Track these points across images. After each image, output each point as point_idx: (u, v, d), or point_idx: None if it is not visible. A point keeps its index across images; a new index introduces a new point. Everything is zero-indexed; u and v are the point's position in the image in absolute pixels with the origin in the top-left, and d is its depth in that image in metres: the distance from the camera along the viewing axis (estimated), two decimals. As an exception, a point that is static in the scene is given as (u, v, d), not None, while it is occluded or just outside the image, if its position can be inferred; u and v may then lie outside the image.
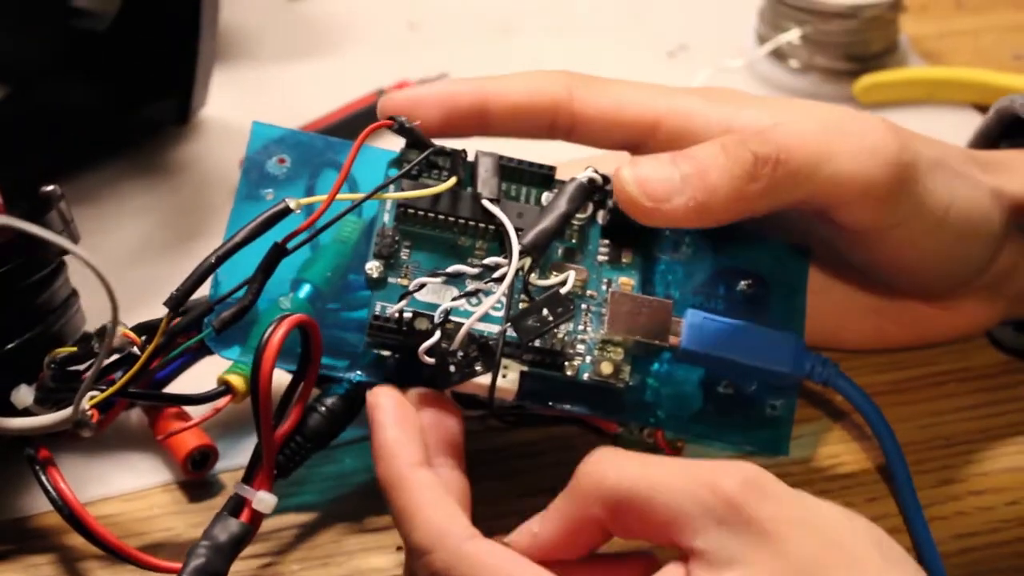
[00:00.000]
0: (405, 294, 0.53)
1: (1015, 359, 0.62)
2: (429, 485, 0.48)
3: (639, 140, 0.55)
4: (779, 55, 0.79)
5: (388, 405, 0.51)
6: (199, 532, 0.52)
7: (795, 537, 0.43)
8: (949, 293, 0.59)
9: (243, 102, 0.76)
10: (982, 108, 0.75)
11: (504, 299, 0.52)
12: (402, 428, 0.50)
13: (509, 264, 0.52)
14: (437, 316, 0.52)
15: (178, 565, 0.50)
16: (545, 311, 0.53)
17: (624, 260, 0.55)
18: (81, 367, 0.53)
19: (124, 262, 0.66)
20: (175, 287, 0.63)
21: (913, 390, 0.60)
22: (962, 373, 0.61)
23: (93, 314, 0.56)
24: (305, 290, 0.54)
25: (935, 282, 0.58)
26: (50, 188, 0.54)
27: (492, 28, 0.84)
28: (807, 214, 0.54)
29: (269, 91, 0.78)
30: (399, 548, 0.53)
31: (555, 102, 0.55)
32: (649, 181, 0.51)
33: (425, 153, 0.54)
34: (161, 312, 0.56)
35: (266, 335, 0.49)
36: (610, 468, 0.46)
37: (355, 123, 0.73)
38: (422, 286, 0.53)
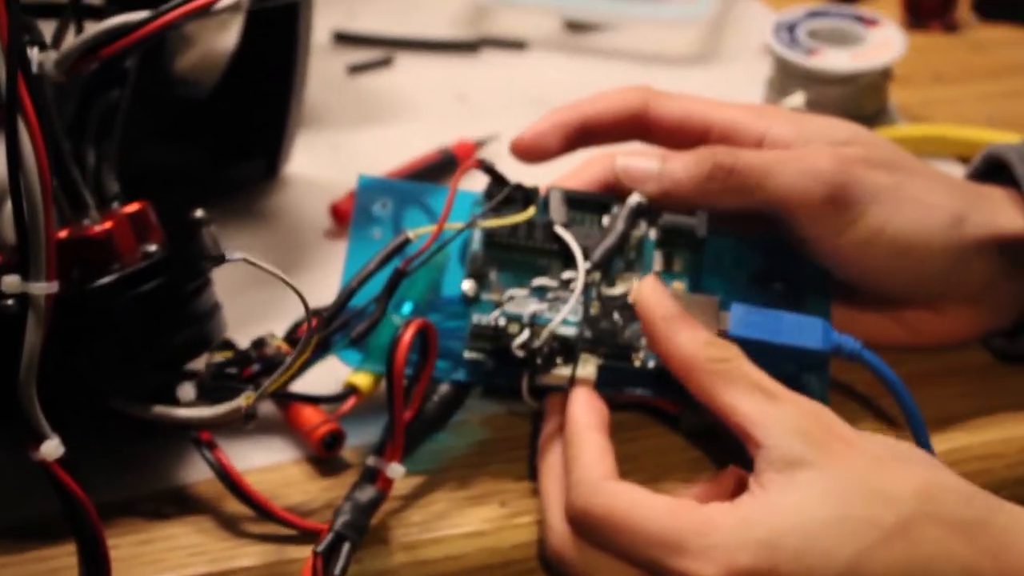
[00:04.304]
0: (499, 304, 0.63)
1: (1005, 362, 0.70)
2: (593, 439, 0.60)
3: (697, 142, 0.67)
4: (785, 117, 0.89)
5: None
6: (330, 498, 0.61)
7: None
8: (933, 301, 0.68)
9: (320, 161, 0.87)
10: (964, 159, 0.85)
11: (580, 306, 0.63)
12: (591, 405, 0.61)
13: (578, 278, 0.63)
14: (526, 318, 0.63)
15: (320, 525, 0.58)
16: (615, 315, 0.64)
17: (676, 268, 0.65)
18: (234, 370, 0.63)
19: (235, 290, 0.74)
20: (282, 310, 0.73)
21: (920, 377, 0.68)
22: (960, 368, 0.70)
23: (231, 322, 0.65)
24: (407, 307, 0.65)
25: (898, 290, 0.67)
26: (199, 214, 0.65)
27: (528, 100, 0.93)
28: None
29: (340, 151, 0.88)
30: (502, 504, 0.62)
31: (637, 114, 0.67)
32: (630, 168, 0.65)
33: (506, 189, 0.65)
34: (273, 330, 0.67)
35: (398, 334, 0.59)
36: None
37: (426, 175, 0.83)
38: (512, 298, 0.63)
